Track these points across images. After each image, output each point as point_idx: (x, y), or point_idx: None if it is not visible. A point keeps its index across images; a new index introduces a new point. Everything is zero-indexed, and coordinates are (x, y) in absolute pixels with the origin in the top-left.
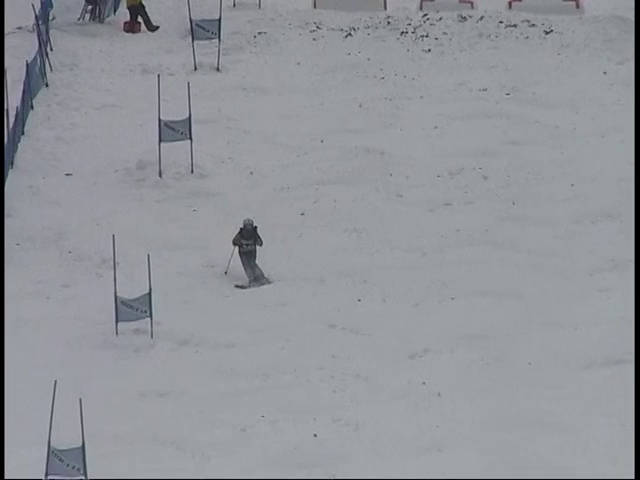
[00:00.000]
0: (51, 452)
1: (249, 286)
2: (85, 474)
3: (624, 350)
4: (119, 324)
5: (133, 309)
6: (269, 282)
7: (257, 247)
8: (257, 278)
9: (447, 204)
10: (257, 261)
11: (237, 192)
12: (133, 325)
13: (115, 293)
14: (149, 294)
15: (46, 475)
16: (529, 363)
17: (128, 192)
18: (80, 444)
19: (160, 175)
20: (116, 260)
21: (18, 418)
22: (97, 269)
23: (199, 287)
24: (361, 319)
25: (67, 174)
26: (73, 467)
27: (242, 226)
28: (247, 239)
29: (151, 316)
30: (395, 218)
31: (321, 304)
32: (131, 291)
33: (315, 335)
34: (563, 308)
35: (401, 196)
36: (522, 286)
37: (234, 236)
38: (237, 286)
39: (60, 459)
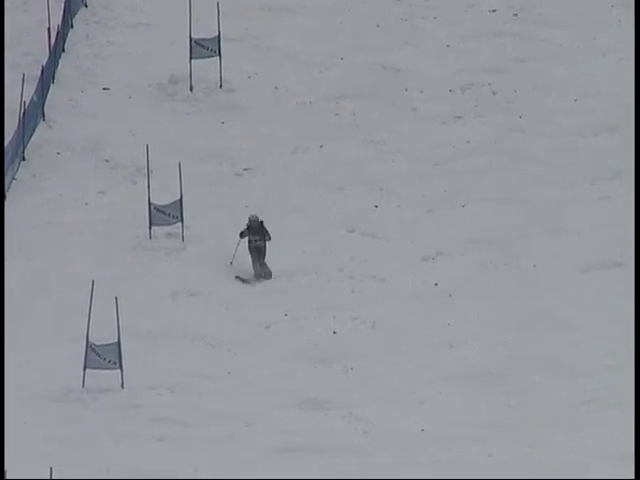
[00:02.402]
0: (89, 347)
1: (250, 281)
2: (120, 367)
3: (622, 253)
4: (152, 228)
5: (165, 214)
6: (269, 277)
7: (267, 243)
8: (263, 276)
9: (458, 117)
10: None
11: (262, 105)
12: (165, 229)
13: (149, 199)
14: (180, 200)
15: (84, 368)
16: (534, 266)
17: (161, 105)
18: (116, 340)
19: (191, 89)
20: (150, 168)
21: (59, 316)
22: (132, 177)
23: (227, 194)
24: (378, 224)
25: (104, 88)
26: (109, 361)
27: (248, 222)
28: (255, 234)
29: (182, 221)
30: (410, 130)
31: (340, 210)
32: (164, 197)
33: (335, 239)
34: (566, 214)
35: (415, 110)
36: (528, 194)
37: (242, 229)
38: (237, 277)
39: (97, 353)
